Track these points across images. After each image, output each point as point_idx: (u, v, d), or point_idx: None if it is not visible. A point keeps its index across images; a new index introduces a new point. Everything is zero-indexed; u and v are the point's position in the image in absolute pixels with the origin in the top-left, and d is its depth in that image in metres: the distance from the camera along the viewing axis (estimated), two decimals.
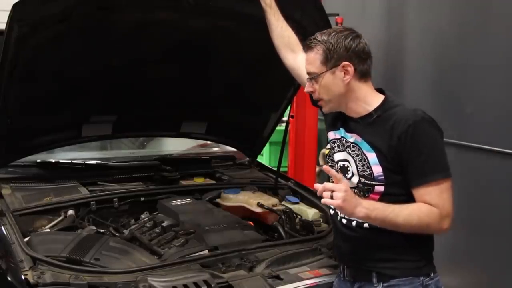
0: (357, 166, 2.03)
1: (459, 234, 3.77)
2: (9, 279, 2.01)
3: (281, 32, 2.43)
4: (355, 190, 2.04)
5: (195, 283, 2.07)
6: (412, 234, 2.00)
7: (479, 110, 3.80)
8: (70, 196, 2.78)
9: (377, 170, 1.98)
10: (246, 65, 3.02)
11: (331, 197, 1.88)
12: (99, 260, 2.22)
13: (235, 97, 3.22)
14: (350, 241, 2.11)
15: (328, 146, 2.21)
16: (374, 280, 2.05)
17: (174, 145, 3.89)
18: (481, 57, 3.77)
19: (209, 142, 3.86)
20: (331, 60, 2.00)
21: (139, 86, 2.93)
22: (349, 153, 2.06)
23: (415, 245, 2.03)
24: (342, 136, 2.12)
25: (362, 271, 2.09)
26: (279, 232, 2.77)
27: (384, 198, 1.99)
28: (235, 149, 3.71)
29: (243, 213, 2.90)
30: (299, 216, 2.89)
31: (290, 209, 2.91)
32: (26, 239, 2.31)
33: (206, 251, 2.40)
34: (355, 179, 2.04)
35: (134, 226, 2.69)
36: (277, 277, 2.23)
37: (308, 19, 2.69)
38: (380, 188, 1.99)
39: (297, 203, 3.03)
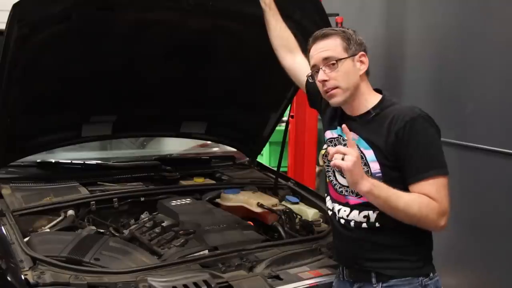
0: None
1: (459, 234, 3.78)
2: (9, 279, 2.01)
3: (280, 33, 2.44)
4: (353, 189, 2.04)
5: (195, 283, 2.06)
6: (411, 234, 2.00)
7: (479, 110, 3.80)
8: (70, 196, 2.78)
9: (375, 167, 1.98)
10: (246, 65, 3.02)
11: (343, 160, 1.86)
12: (99, 260, 2.21)
13: (235, 97, 3.22)
14: (348, 242, 2.11)
15: (325, 146, 2.21)
16: (373, 280, 2.05)
17: (174, 145, 3.89)
18: (481, 57, 3.77)
19: (209, 142, 3.86)
20: (351, 48, 2.03)
21: (139, 86, 2.93)
22: None
23: (414, 245, 2.03)
24: (339, 135, 2.12)
25: (361, 272, 2.08)
26: (279, 232, 2.76)
27: None
28: (235, 149, 3.71)
29: (243, 213, 2.90)
30: (299, 216, 2.89)
31: (290, 209, 2.91)
32: (26, 239, 2.31)
33: (206, 251, 2.40)
34: None
35: (134, 226, 2.69)
36: (277, 277, 2.23)
37: (308, 19, 2.69)
38: None
39: (297, 203, 3.03)
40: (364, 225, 2.04)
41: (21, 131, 2.74)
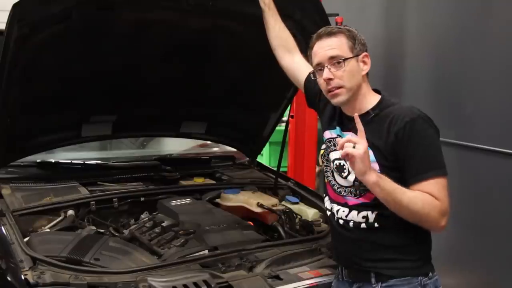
0: None
1: (459, 234, 3.78)
2: (9, 279, 2.01)
3: (279, 33, 2.44)
4: (351, 189, 2.05)
5: (195, 283, 2.06)
6: (410, 234, 2.00)
7: (479, 110, 3.80)
8: (70, 196, 2.78)
9: (374, 167, 1.96)
10: (246, 65, 3.02)
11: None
12: (99, 260, 2.21)
13: (235, 97, 3.22)
14: (347, 242, 2.11)
15: (324, 146, 2.21)
16: (373, 280, 2.05)
17: (174, 145, 3.89)
18: (481, 57, 3.77)
19: (209, 142, 3.86)
20: (356, 48, 2.04)
21: (139, 86, 2.93)
22: None
23: (413, 245, 2.04)
24: (338, 135, 2.12)
25: (361, 272, 2.09)
26: (279, 232, 2.76)
27: None
28: (235, 149, 3.71)
29: (243, 213, 2.90)
30: (299, 216, 2.89)
31: (290, 209, 2.91)
32: (26, 239, 2.31)
33: (206, 251, 2.40)
34: (351, 177, 2.04)
35: (134, 226, 2.69)
36: (277, 277, 2.23)
37: (308, 19, 2.69)
38: None
39: (297, 203, 3.04)
40: (363, 225, 2.04)
41: (21, 131, 2.74)
